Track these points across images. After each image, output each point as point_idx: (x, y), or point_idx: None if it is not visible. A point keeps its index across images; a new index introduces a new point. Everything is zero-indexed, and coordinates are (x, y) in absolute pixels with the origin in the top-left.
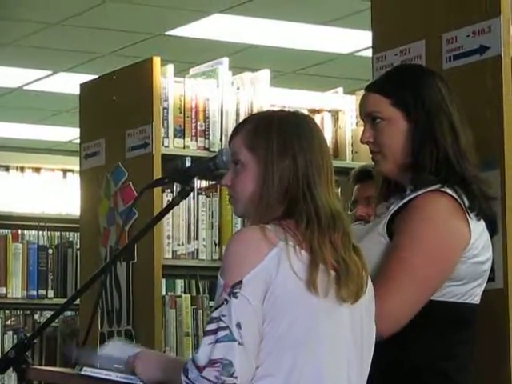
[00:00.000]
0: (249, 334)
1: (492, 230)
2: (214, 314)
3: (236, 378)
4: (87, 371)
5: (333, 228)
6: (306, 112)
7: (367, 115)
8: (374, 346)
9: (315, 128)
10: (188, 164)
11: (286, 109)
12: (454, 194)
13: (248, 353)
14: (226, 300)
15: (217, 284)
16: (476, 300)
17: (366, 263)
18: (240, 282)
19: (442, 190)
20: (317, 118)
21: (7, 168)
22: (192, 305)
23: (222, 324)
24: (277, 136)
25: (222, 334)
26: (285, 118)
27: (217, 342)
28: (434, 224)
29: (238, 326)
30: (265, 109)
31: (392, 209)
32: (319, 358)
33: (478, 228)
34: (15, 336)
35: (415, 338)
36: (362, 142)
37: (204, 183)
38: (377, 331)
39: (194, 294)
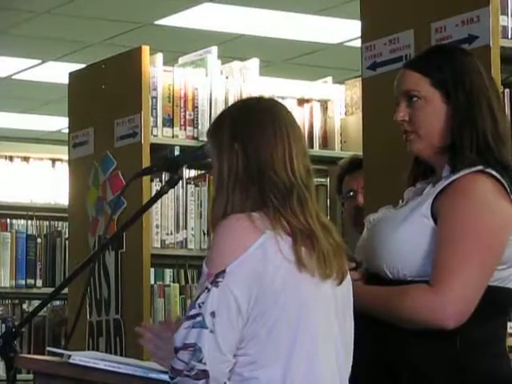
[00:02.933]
0: (223, 323)
1: None
2: (195, 301)
3: (205, 364)
4: (75, 360)
5: (288, 199)
6: (295, 101)
7: (404, 93)
8: (353, 335)
9: (272, 110)
10: (177, 153)
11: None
12: (498, 176)
13: (218, 341)
14: (207, 288)
15: (202, 272)
16: None
17: (338, 241)
18: (223, 272)
19: (487, 171)
20: (306, 108)
21: None
22: (181, 294)
23: (199, 311)
24: (228, 126)
25: (197, 320)
26: (241, 106)
27: (192, 327)
28: (482, 208)
29: (212, 314)
30: None
31: (436, 189)
32: (312, 348)
33: None
34: (3, 325)
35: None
36: (396, 120)
37: (193, 172)
38: (440, 322)
39: (183, 283)
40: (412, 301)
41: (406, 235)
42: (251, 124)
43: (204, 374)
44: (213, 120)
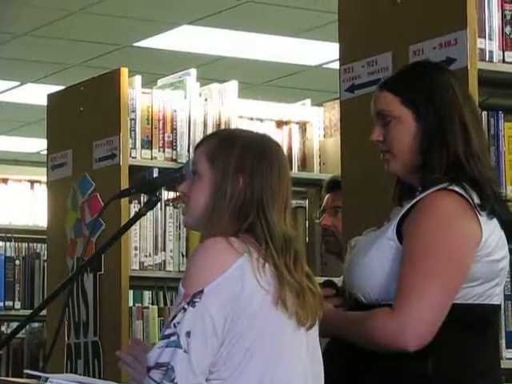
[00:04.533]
0: (198, 343)
1: (510, 233)
2: (171, 321)
3: (177, 383)
4: (53, 382)
5: (286, 251)
6: (273, 124)
7: (378, 114)
8: (323, 375)
9: (279, 154)
10: (155, 175)
11: (254, 123)
12: (462, 192)
13: (192, 361)
14: (183, 308)
15: (178, 292)
16: (496, 300)
17: (320, 291)
18: (201, 292)
19: (450, 188)
20: (284, 130)
21: None
22: (159, 316)
23: (174, 330)
24: (237, 154)
25: (172, 339)
26: (250, 137)
27: (166, 346)
28: (443, 226)
29: (188, 334)
30: (232, 120)
31: (400, 212)
32: (285, 375)
33: (489, 226)
34: None
35: (435, 344)
36: (371, 140)
37: (172, 194)
38: (399, 346)
39: (162, 305)
40: (373, 325)
41: (372, 259)
42: (260, 161)
43: None
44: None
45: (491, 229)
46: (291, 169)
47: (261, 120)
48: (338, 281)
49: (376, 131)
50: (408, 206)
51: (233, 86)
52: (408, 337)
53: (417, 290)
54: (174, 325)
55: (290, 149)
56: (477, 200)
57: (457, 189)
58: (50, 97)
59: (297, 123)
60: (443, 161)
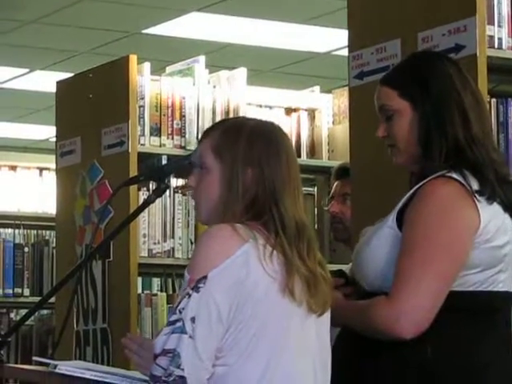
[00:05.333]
0: (203, 329)
1: None
2: (177, 306)
3: (183, 370)
4: (62, 369)
5: (298, 239)
6: (282, 111)
7: (379, 109)
8: (330, 361)
9: (285, 140)
10: (164, 162)
11: (263, 110)
12: (460, 178)
13: (197, 347)
14: (188, 294)
15: (184, 278)
16: (501, 287)
17: (330, 278)
18: (205, 277)
19: (447, 175)
20: (293, 117)
21: None
22: (168, 303)
23: (179, 316)
24: (244, 144)
25: (177, 325)
26: (255, 127)
27: (172, 332)
28: (440, 213)
29: (193, 319)
30: (241, 107)
31: (401, 200)
32: (290, 362)
33: (489, 212)
34: None
35: (434, 332)
36: (378, 136)
37: (180, 181)
38: (396, 334)
39: (170, 292)
40: (371, 313)
41: (374, 248)
42: (268, 150)
43: (182, 381)
44: (213, 129)
45: (491, 214)
46: (300, 156)
47: (269, 107)
48: (346, 268)
49: (380, 127)
50: (408, 194)
51: (241, 72)
52: (404, 324)
53: (413, 277)
54: (180, 311)
55: (298, 136)
56: (476, 186)
57: (455, 175)
58: (59, 84)
59: (305, 110)
60: (443, 148)
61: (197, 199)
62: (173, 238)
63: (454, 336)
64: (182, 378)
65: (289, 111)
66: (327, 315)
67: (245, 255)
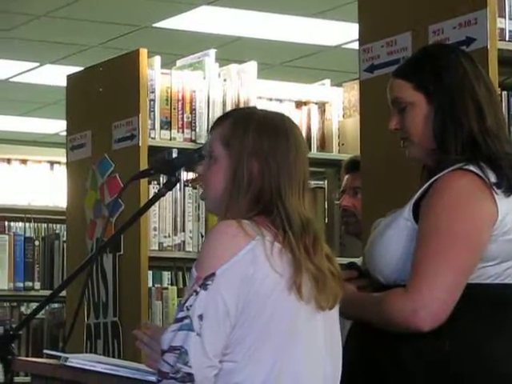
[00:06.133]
0: (210, 326)
1: None
2: (184, 304)
3: (190, 367)
4: (73, 362)
5: (304, 235)
6: (292, 104)
7: (393, 102)
8: (341, 355)
9: (295, 133)
10: (174, 155)
11: (273, 103)
12: (478, 171)
13: (205, 344)
14: (195, 291)
15: (191, 275)
16: None
17: (340, 272)
18: (213, 275)
19: (465, 167)
20: (303, 110)
21: None
22: (178, 297)
23: (187, 313)
24: (252, 137)
25: (184, 322)
26: (265, 118)
27: (179, 329)
28: (458, 205)
29: (200, 317)
30: (252, 101)
31: (417, 192)
32: (298, 358)
33: (506, 204)
34: (1, 327)
35: (452, 324)
36: (390, 129)
37: (191, 175)
38: (414, 326)
39: (181, 285)
40: (387, 306)
41: (389, 240)
42: (276, 143)
43: (189, 378)
44: (223, 119)
45: (508, 207)
46: (310, 149)
47: (280, 100)
48: (357, 261)
49: (393, 120)
50: (424, 186)
51: (252, 66)
52: (421, 316)
53: (430, 269)
54: (187, 308)
55: (308, 129)
56: (493, 178)
57: (472, 168)
58: (70, 78)
59: (316, 103)
60: (458, 140)
61: (204, 187)
62: (183, 231)
63: (471, 329)
64: (190, 374)
65: (299, 104)
66: (336, 309)
67: (252, 252)
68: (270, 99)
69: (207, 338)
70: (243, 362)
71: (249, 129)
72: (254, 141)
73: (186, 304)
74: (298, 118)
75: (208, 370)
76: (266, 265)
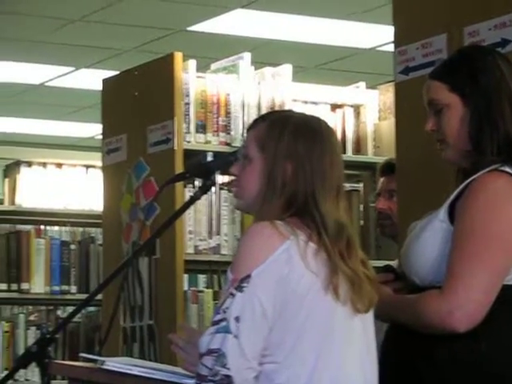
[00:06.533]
0: (247, 328)
1: None
2: (220, 306)
3: (229, 369)
4: (109, 365)
5: (338, 239)
6: (327, 107)
7: (429, 103)
8: (377, 357)
9: (330, 136)
10: (209, 159)
11: (308, 106)
12: None
13: (242, 346)
14: (232, 293)
15: (227, 277)
16: None
17: (375, 276)
18: (248, 276)
19: (501, 169)
20: (338, 113)
21: (30, 164)
22: (214, 300)
23: (223, 316)
24: (287, 140)
25: (221, 325)
26: (301, 122)
27: (217, 332)
28: (492, 207)
29: (237, 319)
30: (286, 104)
31: (452, 194)
32: (338, 359)
33: None
34: (38, 331)
35: (488, 325)
36: (426, 130)
37: (226, 178)
38: (450, 327)
39: (216, 288)
40: (423, 307)
41: (425, 242)
42: (311, 147)
43: (228, 380)
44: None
45: None
46: (345, 152)
47: (315, 103)
48: (392, 264)
49: (429, 121)
50: (460, 187)
51: (287, 69)
52: (457, 317)
53: (466, 270)
54: (224, 310)
55: (343, 132)
56: None
57: (508, 169)
58: (105, 82)
59: (351, 106)
60: (494, 142)
61: (237, 186)
62: (219, 234)
63: (507, 330)
64: (228, 377)
65: (334, 107)
66: (371, 313)
67: (286, 252)
68: (305, 102)
69: (245, 340)
70: (285, 362)
71: (285, 132)
72: (290, 144)
73: (223, 306)
74: (333, 120)
75: (246, 372)
76: (301, 265)
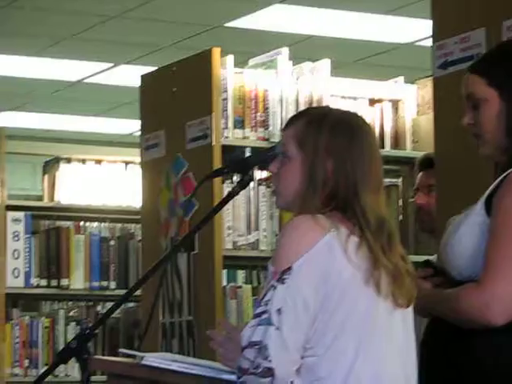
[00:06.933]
0: (289, 320)
1: None
2: (262, 299)
3: (271, 361)
4: (148, 361)
5: (380, 234)
6: (366, 102)
7: (467, 97)
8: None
9: (368, 133)
10: (248, 154)
11: (346, 101)
12: None
13: (284, 338)
14: (273, 286)
15: (268, 270)
16: None
17: (414, 271)
18: (289, 269)
19: None
20: (377, 108)
21: (69, 160)
22: (253, 295)
23: (265, 308)
24: (326, 137)
25: (263, 317)
26: (340, 118)
27: (258, 325)
28: None
29: (279, 311)
30: (325, 99)
31: (488, 188)
32: (378, 351)
33: None
34: (78, 327)
35: None
36: (463, 124)
37: (264, 174)
38: (488, 320)
39: (255, 284)
40: (460, 301)
41: (463, 236)
42: (350, 143)
43: (270, 372)
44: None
45: None
46: (383, 147)
47: (353, 98)
48: (431, 259)
49: (467, 115)
50: (496, 181)
51: (325, 64)
52: (495, 310)
53: (502, 263)
54: (265, 303)
55: (382, 127)
56: None
57: None
58: (144, 78)
59: (389, 101)
60: None
61: (276, 185)
62: (257, 230)
63: None
64: (270, 369)
65: (372, 102)
66: (411, 308)
67: (327, 245)
68: (344, 97)
69: (286, 332)
70: (326, 355)
71: (323, 128)
72: (329, 140)
73: (264, 299)
74: (372, 115)
75: (288, 364)
76: (342, 257)
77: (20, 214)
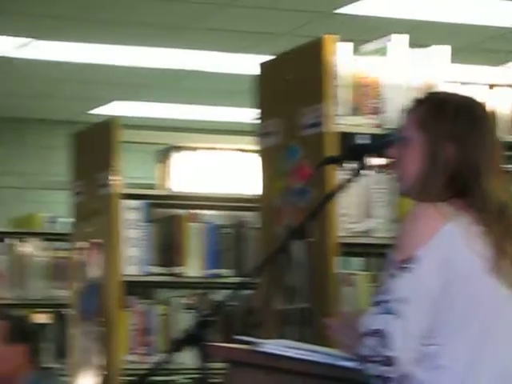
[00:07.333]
0: (412, 309)
1: None
2: (382, 287)
3: (391, 350)
4: (265, 347)
5: (502, 218)
6: (484, 87)
7: None
8: None
9: (488, 118)
10: (362, 141)
11: (463, 87)
12: None
13: (407, 328)
14: (394, 274)
15: (389, 259)
16: None
17: None
18: (411, 258)
19: None
20: (495, 93)
21: (182, 148)
22: (368, 283)
23: (386, 297)
24: (448, 121)
25: (384, 306)
26: (459, 103)
27: (379, 313)
28: None
29: (401, 300)
30: (439, 85)
31: None
32: (503, 345)
33: None
34: (193, 314)
35: None
36: None
37: (380, 160)
38: None
39: (371, 272)
40: None
41: None
42: (471, 127)
43: (390, 361)
44: (419, 103)
45: None
46: (502, 132)
47: (470, 84)
48: None
49: None
50: None
51: (439, 50)
52: None
53: None
54: (386, 291)
55: (500, 112)
56: None
57: None
58: (262, 66)
59: (508, 86)
60: None
61: (397, 170)
62: (373, 217)
63: None
64: (391, 358)
65: (491, 87)
66: None
67: (449, 233)
68: (460, 82)
69: (407, 321)
70: (448, 344)
71: (446, 113)
72: (450, 124)
73: (385, 287)
74: (490, 100)
75: (409, 352)
76: (464, 246)
77: (137, 203)
